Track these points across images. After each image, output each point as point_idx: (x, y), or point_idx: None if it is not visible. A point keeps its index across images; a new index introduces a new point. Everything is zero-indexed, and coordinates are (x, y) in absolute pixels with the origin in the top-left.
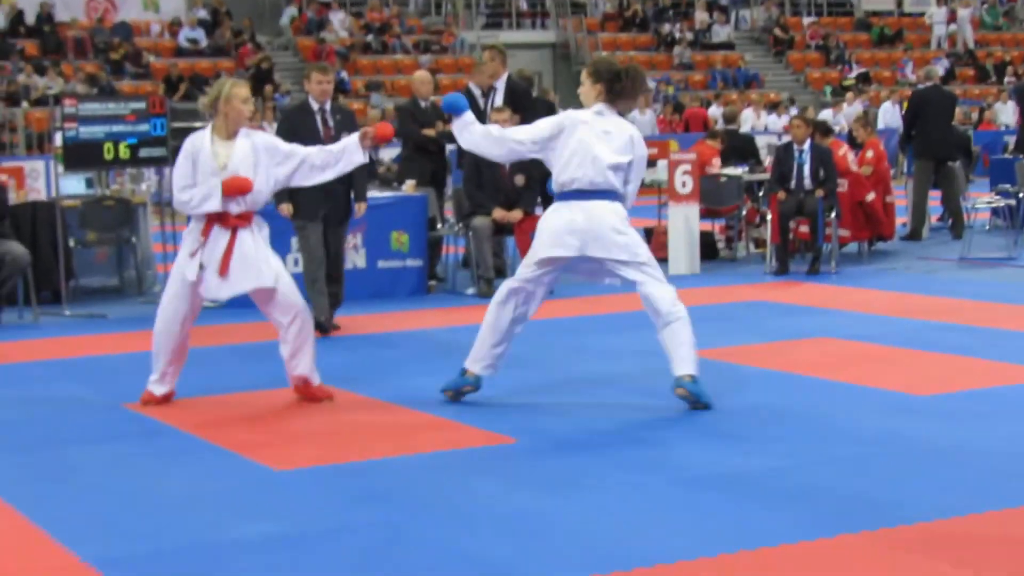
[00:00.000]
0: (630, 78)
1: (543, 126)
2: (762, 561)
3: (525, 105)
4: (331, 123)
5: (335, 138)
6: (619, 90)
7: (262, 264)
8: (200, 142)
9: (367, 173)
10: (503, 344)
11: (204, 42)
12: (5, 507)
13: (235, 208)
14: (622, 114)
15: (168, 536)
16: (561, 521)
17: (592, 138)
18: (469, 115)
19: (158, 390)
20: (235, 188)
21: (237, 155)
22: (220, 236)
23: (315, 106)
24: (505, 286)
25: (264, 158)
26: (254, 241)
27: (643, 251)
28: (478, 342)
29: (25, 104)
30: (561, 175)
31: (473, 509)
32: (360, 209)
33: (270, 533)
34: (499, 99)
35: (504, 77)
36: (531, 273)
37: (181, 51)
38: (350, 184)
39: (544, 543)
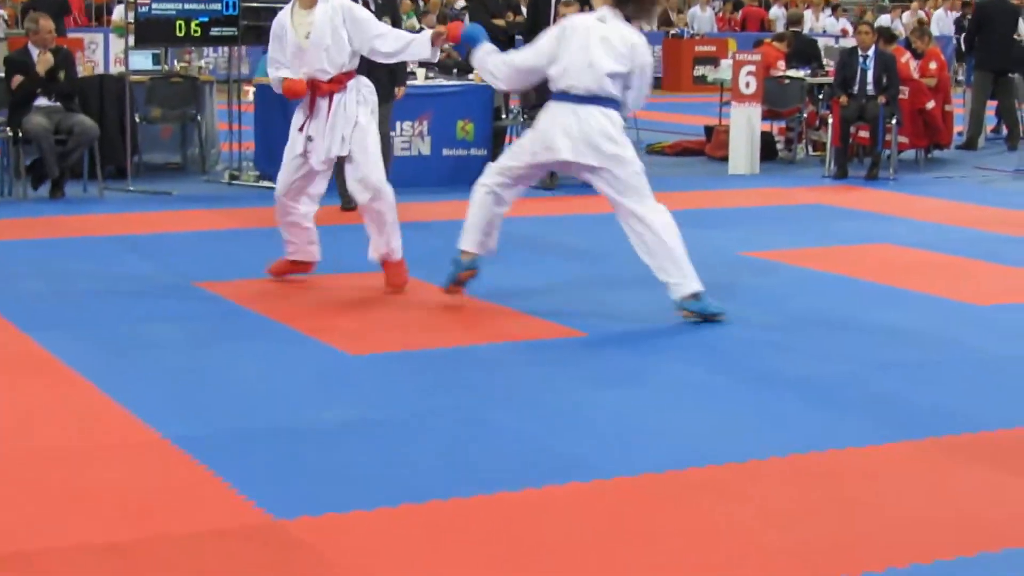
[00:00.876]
0: None
1: (545, 43)
2: (832, 464)
3: None
4: (372, 6)
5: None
6: None
7: (345, 132)
8: (284, 17)
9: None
10: (495, 230)
11: None
12: (85, 383)
13: (323, 76)
14: (631, 19)
15: (249, 417)
16: (635, 416)
17: (591, 45)
18: (487, 46)
19: (284, 258)
20: (292, 92)
21: (317, 22)
22: (321, 105)
23: None
24: (482, 188)
25: (342, 24)
26: (348, 108)
27: (631, 164)
28: (469, 227)
29: None
30: (559, 81)
31: (548, 401)
32: (399, 93)
33: (348, 418)
34: None
35: None
36: (516, 171)
37: None
38: (392, 67)
39: (618, 438)
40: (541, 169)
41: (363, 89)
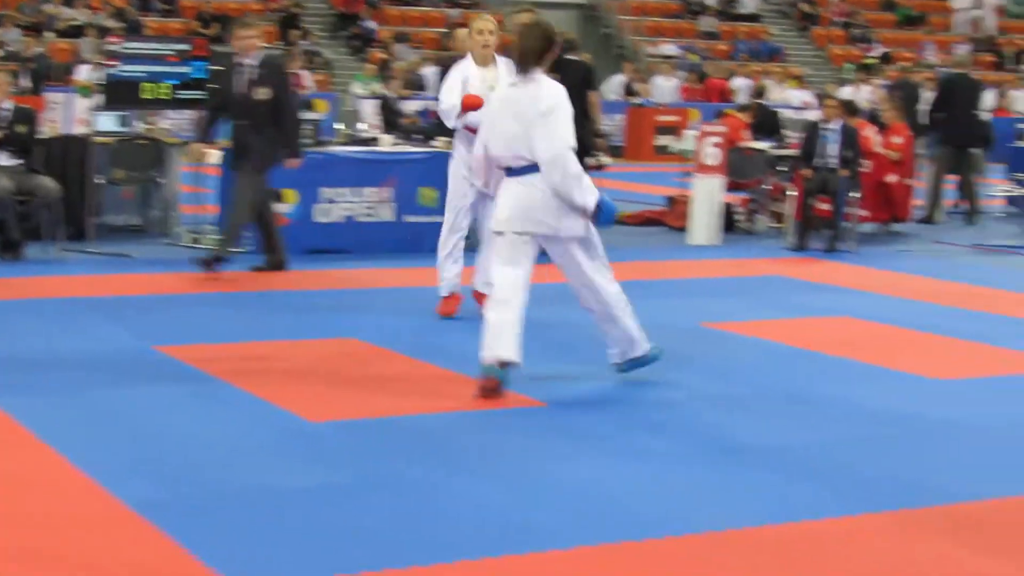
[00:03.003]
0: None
1: None
2: (787, 536)
3: (560, 65)
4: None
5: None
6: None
7: None
8: (465, 70)
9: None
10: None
11: None
12: (43, 447)
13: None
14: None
15: (208, 483)
16: (593, 486)
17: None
18: None
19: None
20: (474, 104)
21: (501, 77)
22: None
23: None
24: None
25: None
26: None
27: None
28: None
29: (50, 34)
30: None
31: (507, 469)
32: (292, 164)
33: (307, 485)
34: None
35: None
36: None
37: None
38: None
39: (577, 508)
40: None
41: None
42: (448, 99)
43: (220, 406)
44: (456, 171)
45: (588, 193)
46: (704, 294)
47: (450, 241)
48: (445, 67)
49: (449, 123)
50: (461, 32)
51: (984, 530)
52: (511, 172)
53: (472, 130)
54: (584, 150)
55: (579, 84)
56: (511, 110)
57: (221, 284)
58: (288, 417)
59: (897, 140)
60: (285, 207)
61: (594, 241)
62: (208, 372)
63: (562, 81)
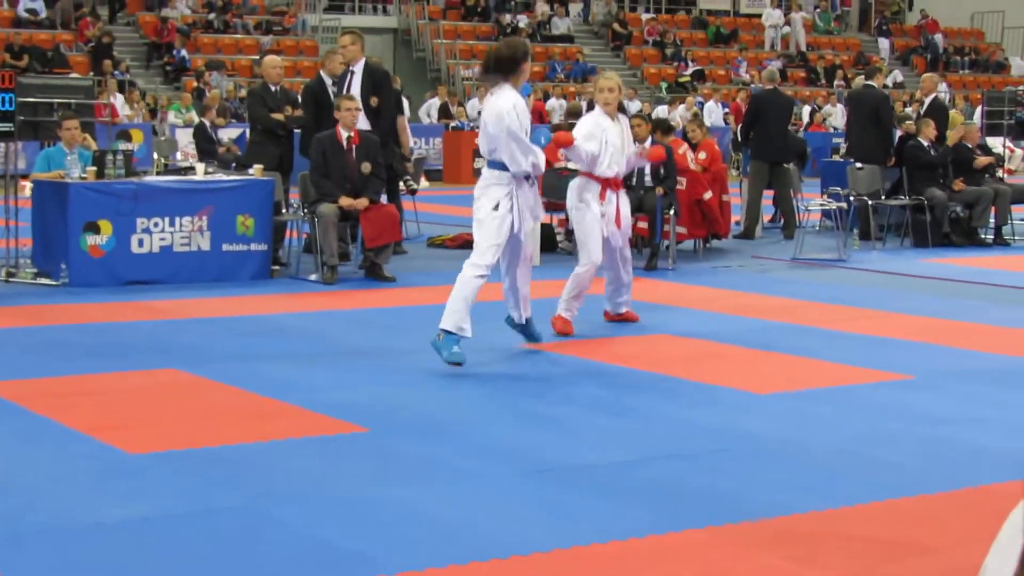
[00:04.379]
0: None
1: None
2: (613, 554)
3: (385, 88)
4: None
5: None
6: None
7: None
8: (602, 122)
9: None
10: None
11: (43, 13)
12: None
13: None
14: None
15: (27, 518)
16: (416, 511)
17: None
18: None
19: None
20: (566, 140)
21: (624, 131)
22: (611, 196)
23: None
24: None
25: None
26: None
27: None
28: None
29: None
30: None
31: (329, 497)
32: None
33: (129, 517)
34: (356, 84)
35: (362, 61)
36: None
37: (20, 21)
38: None
39: (402, 533)
40: None
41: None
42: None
43: (37, 441)
44: None
45: None
46: None
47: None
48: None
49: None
50: (269, 59)
51: (805, 542)
52: None
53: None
54: (395, 175)
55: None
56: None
57: (36, 318)
58: (108, 449)
59: (702, 156)
60: (100, 239)
61: None
62: (25, 407)
63: (386, 104)
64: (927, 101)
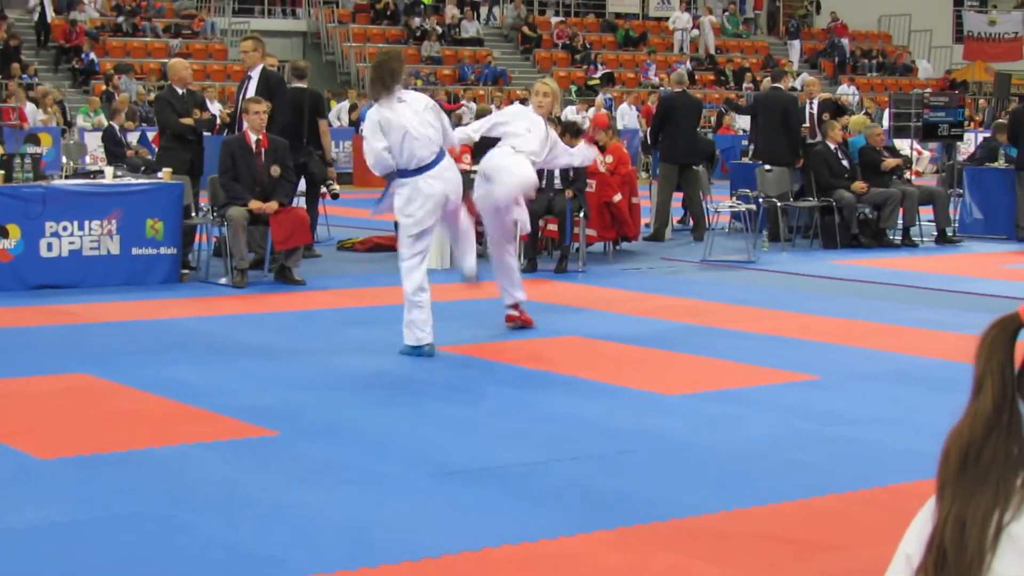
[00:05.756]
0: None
1: None
2: (524, 556)
3: (278, 94)
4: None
5: None
6: None
7: None
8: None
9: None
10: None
11: None
12: None
13: None
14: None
15: None
16: (327, 514)
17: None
18: None
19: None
20: None
21: None
22: None
23: None
24: None
25: None
26: None
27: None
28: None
29: None
30: None
31: (239, 501)
32: None
33: (37, 522)
34: (251, 89)
35: (259, 67)
36: None
37: None
38: None
39: (311, 536)
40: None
41: None
42: None
43: None
44: None
45: None
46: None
47: None
48: None
49: None
50: (176, 62)
51: (716, 541)
52: None
53: None
54: (316, 179)
55: (309, 112)
56: None
57: None
58: (16, 454)
59: (608, 159)
60: (9, 243)
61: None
62: None
63: (291, 109)
64: (815, 103)
